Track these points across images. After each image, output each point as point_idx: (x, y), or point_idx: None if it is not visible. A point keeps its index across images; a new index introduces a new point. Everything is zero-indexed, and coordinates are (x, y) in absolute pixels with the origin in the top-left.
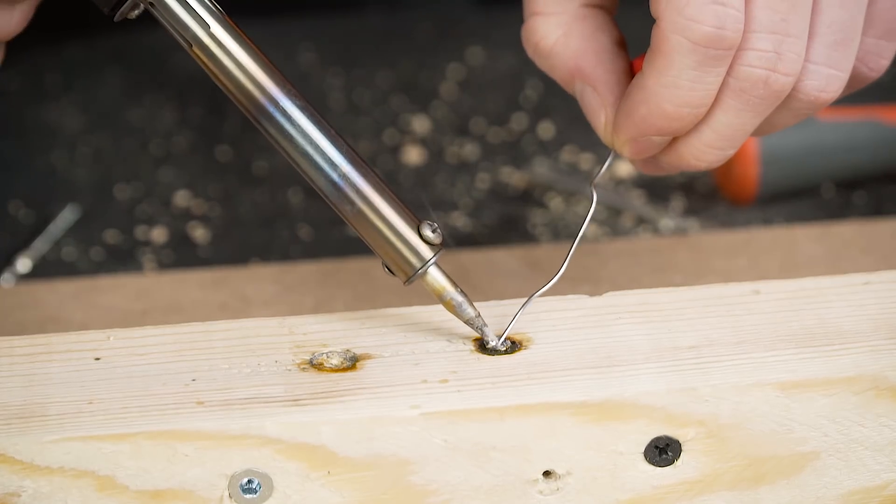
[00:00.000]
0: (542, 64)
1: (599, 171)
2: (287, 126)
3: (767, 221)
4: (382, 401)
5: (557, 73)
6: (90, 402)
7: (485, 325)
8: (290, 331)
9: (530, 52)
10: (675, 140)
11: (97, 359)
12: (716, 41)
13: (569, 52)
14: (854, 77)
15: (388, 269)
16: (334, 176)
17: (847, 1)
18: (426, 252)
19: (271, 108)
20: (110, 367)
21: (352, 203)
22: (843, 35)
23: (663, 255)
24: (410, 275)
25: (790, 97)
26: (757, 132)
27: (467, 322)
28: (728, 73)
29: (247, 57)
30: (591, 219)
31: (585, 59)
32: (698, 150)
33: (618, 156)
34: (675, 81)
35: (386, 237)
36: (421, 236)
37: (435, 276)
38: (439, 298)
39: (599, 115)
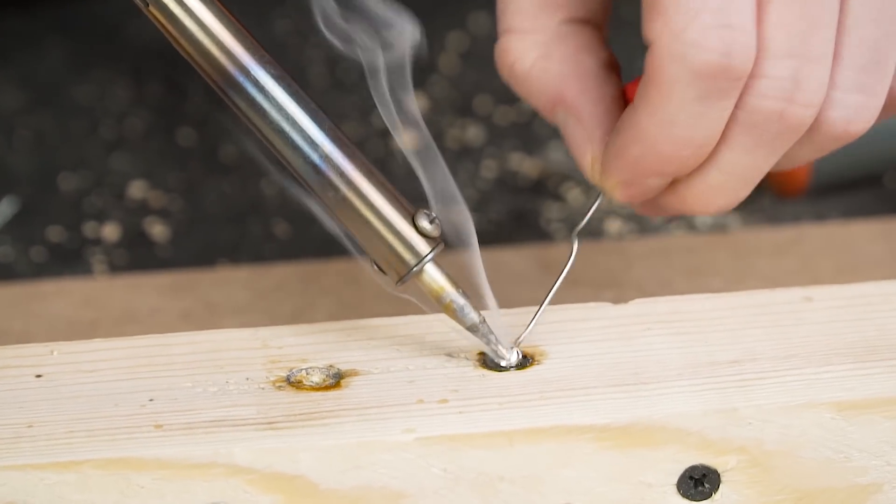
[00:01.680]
0: (518, 89)
1: (584, 220)
2: (259, 99)
3: (820, 216)
4: (371, 424)
5: (536, 100)
6: (30, 426)
7: (490, 332)
8: (264, 343)
9: (505, 75)
10: (676, 181)
11: (39, 376)
12: (722, 71)
13: (548, 76)
14: (890, 103)
15: (378, 266)
16: (315, 157)
17: (880, 15)
18: (422, 247)
19: (241, 79)
20: (54, 386)
21: (335, 189)
22: (876, 55)
23: (699, 255)
24: (404, 273)
25: (812, 130)
26: (774, 168)
27: (470, 329)
28: (737, 106)
29: (213, 18)
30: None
31: (567, 85)
32: (704, 194)
33: (608, 196)
34: (673, 118)
35: (375, 229)
36: (416, 228)
37: (432, 274)
38: (437, 301)
39: (585, 151)
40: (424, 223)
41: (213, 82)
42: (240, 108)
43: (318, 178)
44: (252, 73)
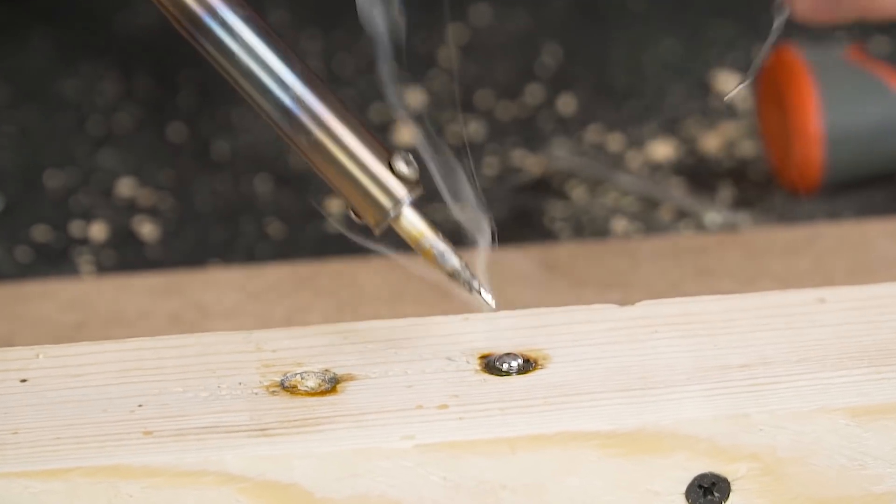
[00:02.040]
0: None
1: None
2: (227, 41)
3: (834, 215)
4: (368, 430)
5: None
6: (15, 433)
7: (473, 278)
8: (258, 347)
9: None
10: None
11: (24, 381)
12: None
13: None
14: None
15: (355, 213)
16: (285, 99)
17: None
18: (399, 190)
19: (208, 19)
20: (40, 391)
21: (307, 132)
22: None
23: (709, 255)
24: (381, 219)
25: None
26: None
27: (451, 276)
28: None
29: None
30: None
31: None
32: None
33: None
34: None
35: (349, 173)
36: (393, 171)
37: (410, 219)
38: (416, 247)
39: None
40: (401, 166)
41: (181, 26)
42: (208, 52)
43: (289, 121)
44: (219, 13)
